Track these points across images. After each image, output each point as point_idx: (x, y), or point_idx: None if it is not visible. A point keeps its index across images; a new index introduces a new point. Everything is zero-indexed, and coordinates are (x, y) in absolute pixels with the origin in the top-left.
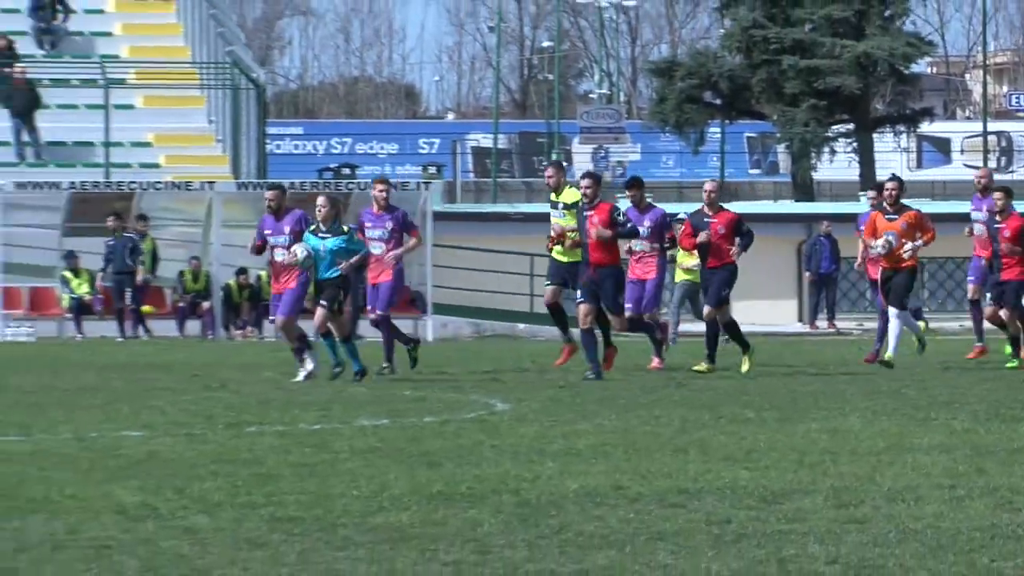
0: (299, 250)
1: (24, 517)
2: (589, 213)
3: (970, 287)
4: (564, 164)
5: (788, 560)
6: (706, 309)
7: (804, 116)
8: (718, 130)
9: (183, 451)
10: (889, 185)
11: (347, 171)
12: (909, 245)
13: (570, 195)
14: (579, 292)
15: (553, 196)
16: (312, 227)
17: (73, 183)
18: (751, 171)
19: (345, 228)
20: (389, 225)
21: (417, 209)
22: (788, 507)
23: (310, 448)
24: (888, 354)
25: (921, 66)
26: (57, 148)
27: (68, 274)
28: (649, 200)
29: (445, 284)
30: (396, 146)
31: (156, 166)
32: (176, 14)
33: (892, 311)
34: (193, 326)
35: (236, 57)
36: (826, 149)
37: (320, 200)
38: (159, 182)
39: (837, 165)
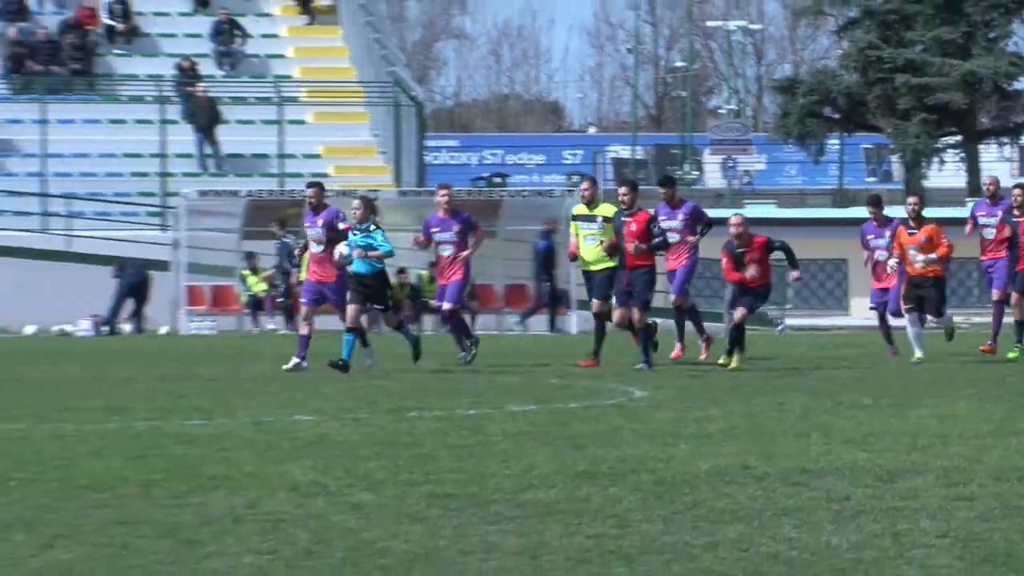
0: (340, 248)
1: (207, 493)
2: (627, 219)
3: (995, 292)
4: (596, 179)
5: (902, 534)
6: (740, 312)
7: (915, 129)
8: (837, 142)
9: (350, 434)
10: (911, 200)
11: (498, 180)
12: (921, 258)
13: (607, 208)
14: (615, 297)
15: (587, 209)
16: (352, 226)
17: (250, 191)
18: (867, 179)
19: (372, 228)
20: (455, 227)
21: (561, 214)
22: (902, 486)
23: (465, 431)
24: (917, 355)
25: (1023, 83)
26: (236, 160)
27: (247, 273)
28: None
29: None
30: (543, 157)
31: (325, 176)
32: (343, 38)
33: (910, 317)
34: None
35: (397, 77)
36: (936, 159)
37: (355, 202)
38: (328, 191)
39: (946, 173)
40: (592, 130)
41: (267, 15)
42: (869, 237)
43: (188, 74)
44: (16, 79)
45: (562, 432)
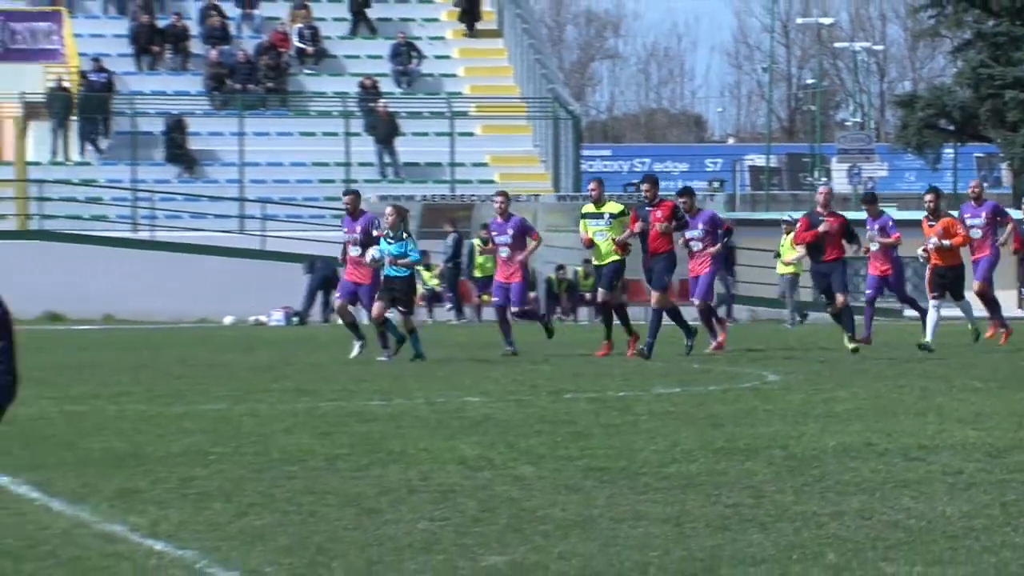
0: (372, 252)
1: (385, 466)
2: (651, 209)
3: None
4: (603, 180)
5: (1009, 504)
6: (840, 298)
7: (1023, 139)
8: (951, 151)
9: (513, 414)
10: (927, 197)
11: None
12: (932, 241)
13: (613, 206)
14: (646, 281)
15: (595, 208)
16: (384, 232)
17: (425, 196)
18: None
19: (404, 235)
20: (510, 231)
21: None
22: (1010, 460)
23: (616, 411)
24: (926, 339)
25: None
26: (411, 168)
27: (421, 269)
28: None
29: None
30: (687, 165)
31: (491, 182)
32: (507, 58)
33: (933, 302)
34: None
35: (557, 93)
36: None
37: (388, 209)
38: (474, 196)
39: None
40: (731, 140)
41: (440, 38)
42: (868, 230)
43: (370, 91)
44: (217, 96)
45: (702, 412)
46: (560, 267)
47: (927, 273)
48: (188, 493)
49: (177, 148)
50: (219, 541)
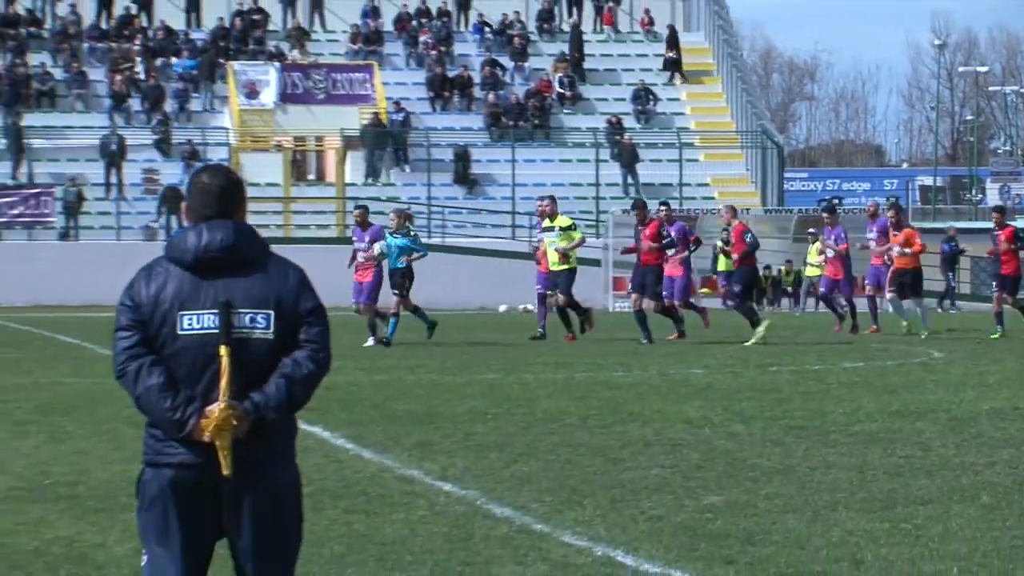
0: (376, 247)
1: (626, 424)
2: (642, 228)
3: (869, 286)
4: (556, 198)
5: None
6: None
7: None
8: None
9: (729, 382)
10: (889, 213)
11: (836, 201)
12: (895, 248)
13: (562, 220)
14: (630, 284)
15: (547, 222)
16: (389, 231)
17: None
18: None
19: (412, 233)
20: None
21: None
22: None
23: (811, 381)
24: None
25: None
26: (648, 187)
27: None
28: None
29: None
30: (868, 185)
31: (712, 199)
32: (724, 100)
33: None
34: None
35: (764, 128)
36: None
37: (391, 214)
38: (715, 209)
39: None
40: (904, 165)
41: (672, 84)
42: (822, 236)
43: (615, 127)
44: (494, 131)
45: (881, 382)
46: (767, 266)
47: (889, 273)
48: (470, 445)
49: (463, 172)
50: (494, 483)
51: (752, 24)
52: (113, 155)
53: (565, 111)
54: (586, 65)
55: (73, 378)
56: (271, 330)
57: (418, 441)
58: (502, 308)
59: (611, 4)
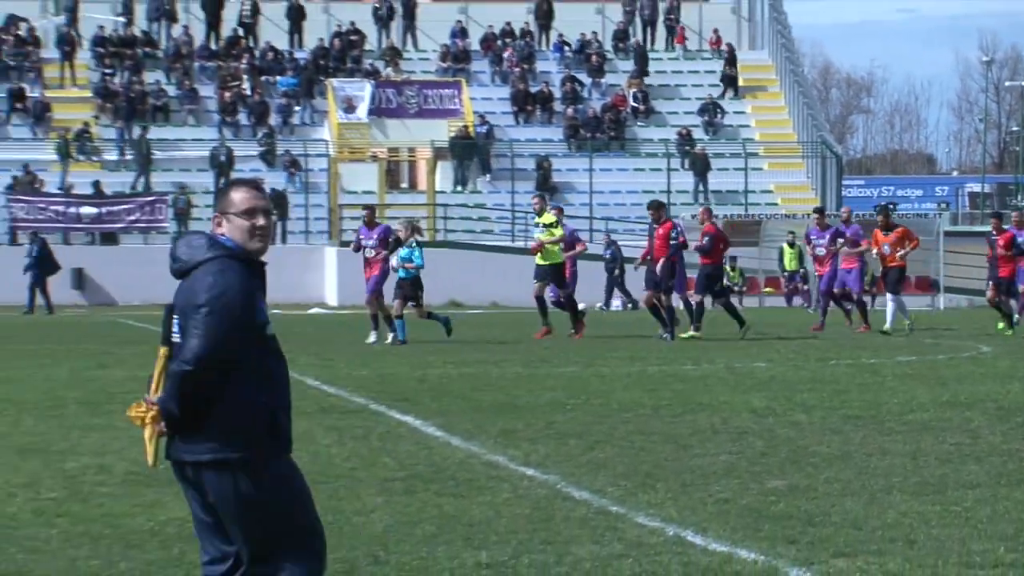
0: (393, 260)
1: (695, 413)
2: (656, 227)
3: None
4: (544, 195)
5: None
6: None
7: None
8: None
9: (791, 375)
10: (880, 217)
11: (891, 207)
12: (886, 247)
13: (548, 217)
14: (644, 281)
15: (537, 219)
16: (403, 242)
17: (727, 215)
18: None
19: (414, 245)
20: (826, 237)
21: (934, 229)
22: None
23: (868, 374)
24: (886, 326)
25: None
26: (717, 194)
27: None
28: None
29: (951, 274)
30: (920, 191)
31: (775, 204)
32: (787, 113)
33: (889, 295)
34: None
35: (824, 139)
36: None
37: (398, 225)
38: (778, 214)
39: None
40: (955, 173)
41: (739, 99)
42: (813, 237)
43: (686, 138)
44: (573, 142)
45: (933, 374)
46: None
47: (880, 271)
48: (551, 433)
49: (543, 180)
50: (573, 468)
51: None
52: (222, 165)
53: (639, 124)
54: (658, 81)
55: None
56: (179, 334)
57: (503, 429)
58: (581, 306)
59: (682, 25)
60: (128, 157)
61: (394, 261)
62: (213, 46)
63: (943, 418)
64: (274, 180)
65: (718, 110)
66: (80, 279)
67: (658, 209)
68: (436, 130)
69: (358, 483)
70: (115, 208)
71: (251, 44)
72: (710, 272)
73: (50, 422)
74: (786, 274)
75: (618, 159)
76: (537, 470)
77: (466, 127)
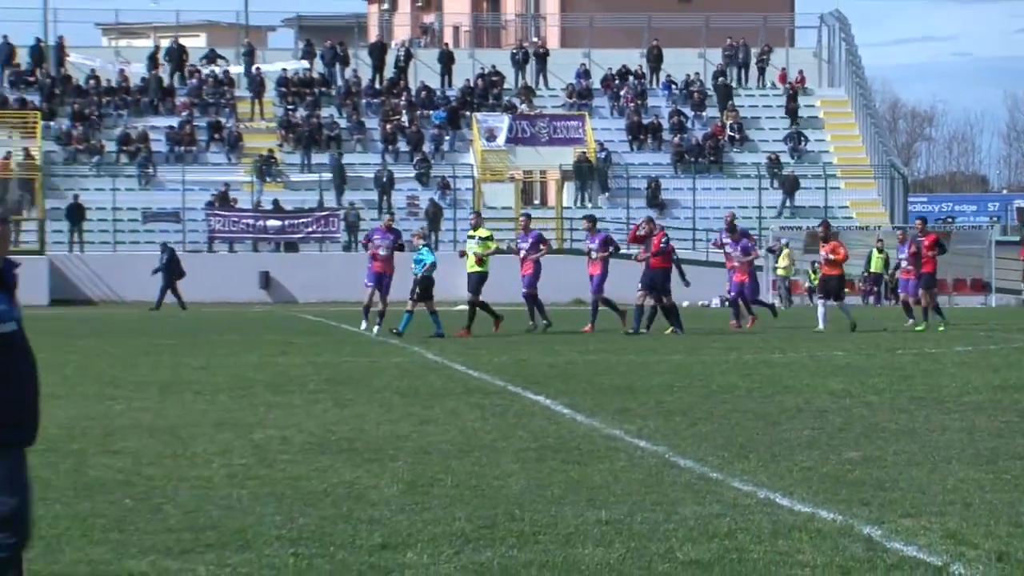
0: (416, 268)
1: (782, 395)
2: (653, 237)
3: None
4: (480, 213)
5: None
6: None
7: None
8: None
9: (864, 362)
10: (820, 228)
11: (949, 220)
12: (822, 257)
13: (483, 231)
14: (639, 282)
15: (473, 231)
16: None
17: (808, 227)
18: None
19: (422, 247)
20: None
21: (986, 239)
22: None
23: (929, 361)
24: (820, 327)
25: None
26: (799, 209)
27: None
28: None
29: (1001, 277)
30: (975, 207)
31: (851, 218)
32: (860, 140)
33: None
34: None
35: (892, 162)
36: None
37: (415, 233)
38: (852, 227)
39: None
40: (1004, 191)
41: (820, 129)
42: (725, 243)
43: (773, 162)
44: (679, 166)
45: (986, 362)
46: (893, 269)
47: (818, 279)
48: (660, 411)
49: (654, 198)
50: (679, 441)
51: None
52: (384, 185)
53: (734, 150)
54: (751, 114)
55: (354, 357)
56: None
57: (620, 407)
58: (684, 304)
59: (773, 67)
60: (308, 178)
61: (414, 268)
62: (377, 85)
63: (995, 399)
64: (427, 198)
65: (802, 138)
66: (266, 281)
67: (650, 222)
68: (563, 156)
69: (498, 452)
70: (296, 221)
71: (408, 84)
72: (659, 275)
73: (241, 401)
74: (868, 275)
75: (716, 180)
76: (648, 442)
77: (587, 153)
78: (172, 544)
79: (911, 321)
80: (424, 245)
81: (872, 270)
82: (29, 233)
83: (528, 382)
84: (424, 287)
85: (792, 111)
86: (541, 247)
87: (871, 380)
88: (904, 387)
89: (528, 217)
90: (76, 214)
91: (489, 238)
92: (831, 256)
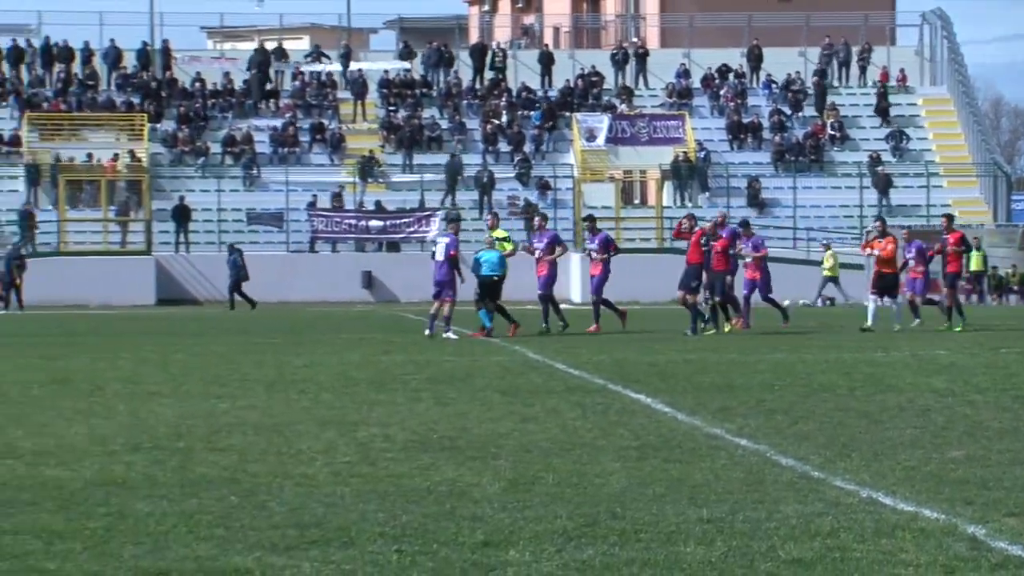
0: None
1: (885, 393)
2: (715, 241)
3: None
4: (497, 213)
5: None
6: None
7: None
8: None
9: (967, 361)
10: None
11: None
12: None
13: (500, 232)
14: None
15: (491, 234)
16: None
17: (910, 227)
18: None
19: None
20: (596, 246)
21: None
22: None
23: (987, 359)
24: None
25: None
26: (900, 208)
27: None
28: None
29: None
30: None
31: (952, 217)
32: (963, 139)
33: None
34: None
35: (995, 160)
36: None
37: (487, 236)
38: (958, 225)
39: None
40: None
41: (921, 127)
42: (740, 244)
43: (875, 161)
44: (779, 164)
45: None
46: (995, 267)
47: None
48: (761, 409)
49: (754, 197)
50: (780, 439)
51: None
52: (485, 185)
53: (835, 149)
54: (852, 112)
55: (455, 356)
56: None
57: (720, 406)
58: (785, 303)
59: (874, 65)
60: (410, 178)
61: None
62: (477, 87)
63: None
64: (528, 196)
65: (904, 136)
66: (369, 280)
67: (691, 219)
68: (663, 155)
69: (598, 451)
70: (397, 221)
71: (510, 85)
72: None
73: (344, 399)
74: (969, 274)
75: (817, 179)
76: (749, 440)
77: (687, 152)
78: (277, 540)
79: (918, 321)
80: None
81: (972, 269)
82: (136, 234)
83: (628, 380)
84: (488, 286)
85: (888, 110)
86: (557, 248)
87: (974, 379)
88: (1008, 385)
89: (544, 217)
90: (182, 215)
91: (506, 239)
92: (880, 253)
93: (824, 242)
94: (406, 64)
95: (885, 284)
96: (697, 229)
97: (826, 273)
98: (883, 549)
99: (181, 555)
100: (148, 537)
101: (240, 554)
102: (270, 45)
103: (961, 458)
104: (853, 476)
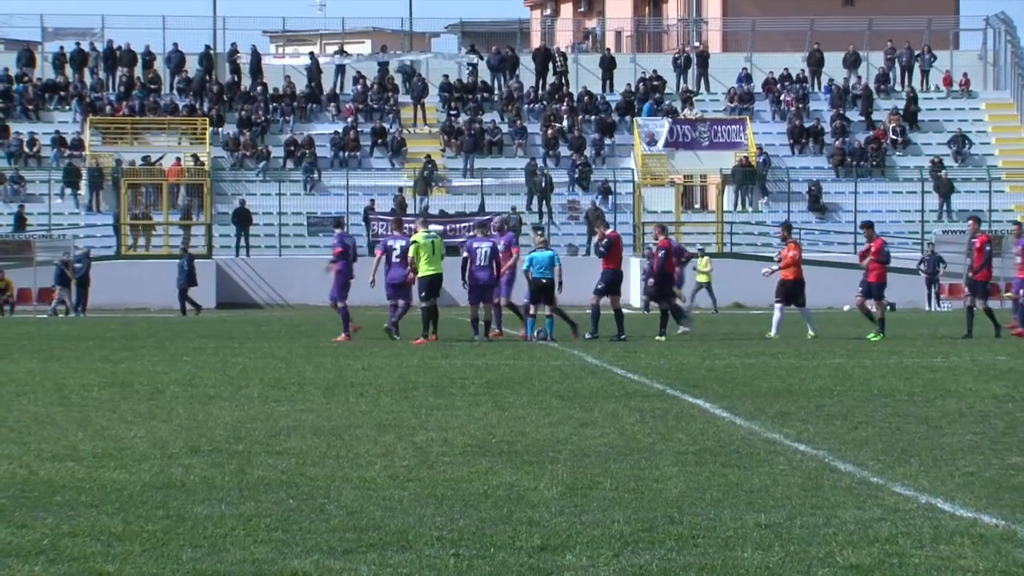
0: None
1: (944, 399)
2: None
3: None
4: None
5: None
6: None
7: None
8: None
9: (1017, 365)
10: (782, 230)
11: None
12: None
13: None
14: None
15: (535, 235)
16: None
17: (949, 231)
18: None
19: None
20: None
21: None
22: None
23: (1004, 363)
24: (772, 334)
25: None
26: (963, 213)
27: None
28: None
29: None
30: None
31: (1016, 223)
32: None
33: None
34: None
35: None
36: None
37: (535, 236)
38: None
39: None
40: None
41: (984, 132)
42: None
43: (937, 166)
44: (840, 169)
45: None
46: None
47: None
48: (820, 415)
49: (815, 201)
50: (839, 445)
51: None
52: (544, 190)
53: (897, 154)
54: (914, 117)
55: (513, 360)
56: None
57: (779, 411)
58: (846, 308)
59: (937, 70)
60: (470, 183)
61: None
62: (539, 91)
63: None
64: (587, 202)
65: (966, 141)
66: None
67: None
68: (723, 160)
69: (657, 455)
70: (457, 225)
71: (571, 89)
72: (660, 279)
73: (402, 403)
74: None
75: (878, 183)
76: (808, 446)
77: (747, 157)
78: (335, 544)
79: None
80: (542, 246)
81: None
82: (197, 237)
83: (687, 385)
84: (541, 289)
85: (957, 114)
86: (512, 251)
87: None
88: (973, 390)
89: (601, 222)
90: (243, 219)
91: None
92: (782, 262)
93: (699, 248)
94: (468, 67)
95: (788, 291)
96: (664, 239)
97: (700, 279)
98: (941, 555)
99: (239, 558)
100: (206, 540)
101: (298, 557)
102: (331, 49)
103: (1021, 464)
104: (912, 482)
